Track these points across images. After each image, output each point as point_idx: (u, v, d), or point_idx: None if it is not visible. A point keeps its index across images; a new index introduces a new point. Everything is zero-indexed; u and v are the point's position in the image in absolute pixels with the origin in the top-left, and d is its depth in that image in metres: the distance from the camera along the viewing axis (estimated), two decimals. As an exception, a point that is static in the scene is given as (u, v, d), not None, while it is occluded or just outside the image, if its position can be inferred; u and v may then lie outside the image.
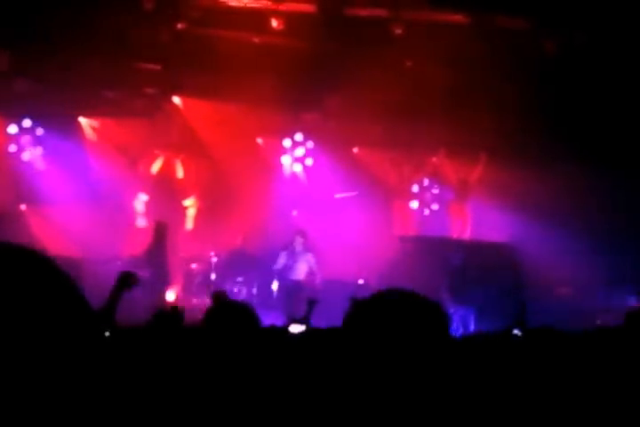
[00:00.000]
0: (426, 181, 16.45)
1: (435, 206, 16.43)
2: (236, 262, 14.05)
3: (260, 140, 16.12)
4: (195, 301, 13.56)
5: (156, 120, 15.45)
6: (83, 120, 15.35)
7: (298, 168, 16.14)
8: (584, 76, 13.72)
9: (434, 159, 16.33)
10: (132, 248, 14.74)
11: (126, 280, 4.97)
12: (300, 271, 13.14)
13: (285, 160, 16.08)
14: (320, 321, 6.65)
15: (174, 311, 4.97)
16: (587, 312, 12.38)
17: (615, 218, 14.08)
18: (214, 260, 14.10)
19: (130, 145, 15.46)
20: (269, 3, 13.79)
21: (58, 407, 1.04)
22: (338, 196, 16.05)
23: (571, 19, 13.09)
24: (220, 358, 2.87)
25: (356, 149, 16.23)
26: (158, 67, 14.68)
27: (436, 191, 16.42)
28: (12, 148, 15.01)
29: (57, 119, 14.74)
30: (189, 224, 15.85)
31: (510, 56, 13.76)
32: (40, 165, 15.14)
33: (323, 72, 14.17)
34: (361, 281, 14.17)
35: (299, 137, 15.88)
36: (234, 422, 2.65)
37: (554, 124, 14.20)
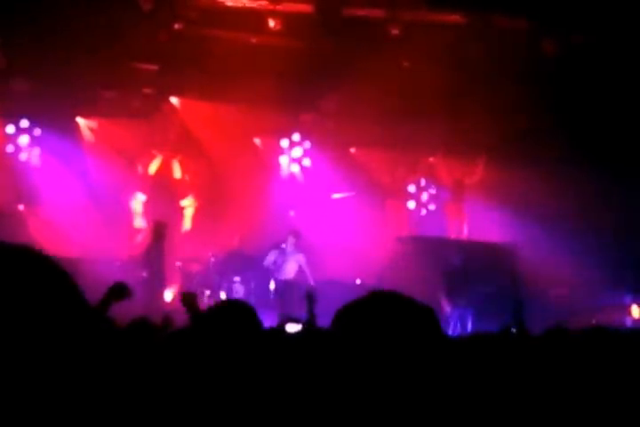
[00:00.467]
0: (423, 182, 16.46)
1: (431, 207, 16.44)
2: (234, 262, 14.05)
3: (257, 141, 16.12)
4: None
5: (153, 120, 15.45)
6: (80, 120, 15.33)
7: (295, 168, 16.14)
8: (583, 75, 13.73)
9: (431, 159, 16.34)
10: (129, 248, 14.75)
11: (118, 292, 4.92)
12: (289, 271, 13.15)
13: (283, 160, 16.08)
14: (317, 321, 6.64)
15: (144, 324, 4.95)
16: (583, 312, 12.39)
17: (612, 218, 14.10)
18: (212, 260, 14.10)
19: (127, 145, 15.44)
20: (267, 3, 13.81)
21: (55, 404, 1.04)
22: (335, 196, 16.06)
23: (569, 19, 13.11)
24: (218, 357, 2.87)
25: (353, 150, 16.23)
26: (156, 67, 14.68)
27: (432, 192, 16.43)
28: (10, 148, 15.00)
29: (54, 119, 14.72)
30: (187, 224, 15.84)
31: (508, 56, 13.77)
32: (38, 165, 15.13)
33: (320, 72, 14.18)
34: (358, 281, 14.18)
35: (296, 137, 15.88)
36: (232, 423, 2.65)
37: (552, 124, 14.21)
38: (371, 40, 13.82)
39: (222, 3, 13.79)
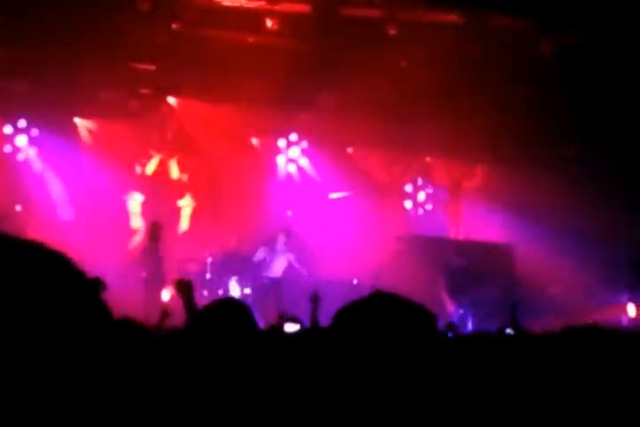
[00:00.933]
0: (419, 181, 16.48)
1: (428, 206, 16.45)
2: (231, 262, 14.06)
3: (254, 141, 16.12)
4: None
5: (151, 120, 15.44)
6: (78, 121, 15.33)
7: (292, 168, 16.15)
8: (580, 75, 13.75)
9: (427, 159, 16.36)
10: (127, 248, 14.76)
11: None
12: (277, 269, 13.17)
13: (280, 160, 16.09)
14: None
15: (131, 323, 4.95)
16: (580, 311, 12.43)
17: (609, 217, 14.13)
18: (209, 260, 14.10)
19: (125, 145, 15.43)
20: (264, 3, 13.80)
21: (64, 406, 1.04)
22: (332, 196, 16.07)
23: (566, 18, 13.11)
24: (214, 356, 2.88)
25: (350, 149, 16.24)
26: (153, 67, 14.67)
27: (429, 191, 16.45)
28: (7, 148, 14.99)
29: (52, 120, 14.71)
30: (184, 224, 15.83)
31: (505, 56, 13.80)
32: (35, 165, 15.12)
33: (317, 72, 14.19)
34: (355, 281, 14.19)
35: (293, 137, 15.89)
36: (228, 422, 2.66)
37: (550, 123, 14.23)
38: (368, 40, 13.82)
39: (220, 3, 13.79)
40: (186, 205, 15.90)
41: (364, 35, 13.80)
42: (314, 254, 14.61)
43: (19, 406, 1.00)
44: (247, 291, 13.77)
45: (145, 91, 15.16)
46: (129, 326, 4.77)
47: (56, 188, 15.03)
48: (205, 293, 13.43)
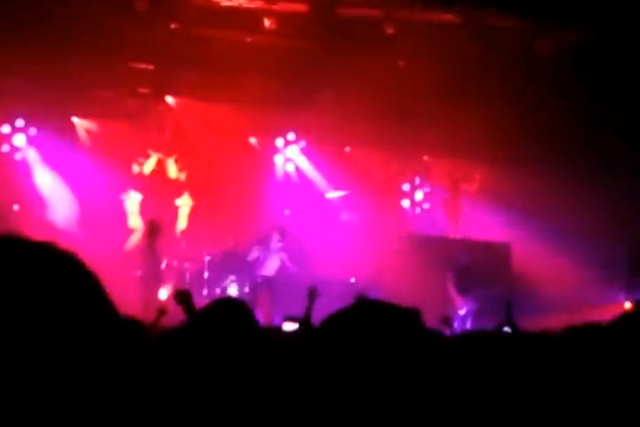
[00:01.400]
0: (417, 180, 16.49)
1: (426, 205, 16.47)
2: (229, 261, 14.07)
3: (252, 140, 16.13)
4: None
5: (149, 120, 15.45)
6: (76, 120, 15.33)
7: (290, 167, 16.16)
8: (579, 74, 13.76)
9: (425, 158, 16.37)
10: (125, 247, 14.76)
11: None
12: (271, 268, 13.18)
13: (278, 160, 16.10)
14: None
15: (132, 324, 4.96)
16: (577, 309, 12.46)
17: (606, 216, 14.16)
18: (207, 259, 14.11)
19: (123, 144, 15.43)
20: (262, 2, 13.82)
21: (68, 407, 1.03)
22: (330, 195, 16.08)
23: (564, 17, 13.13)
24: (214, 356, 2.88)
25: (348, 148, 16.25)
26: (151, 66, 14.68)
27: (426, 190, 16.47)
28: (5, 148, 14.98)
29: (50, 119, 14.71)
30: (182, 223, 15.83)
31: (503, 55, 13.81)
32: (33, 164, 15.12)
33: (315, 71, 14.20)
34: (352, 280, 14.20)
35: (291, 136, 15.89)
36: (225, 422, 2.67)
37: (548, 123, 14.25)
38: (366, 39, 13.84)
39: (218, 2, 13.80)
40: (184, 204, 15.90)
41: (361, 34, 13.82)
42: (311, 253, 14.63)
43: (22, 403, 1.00)
44: (247, 290, 13.79)
45: (143, 90, 15.17)
46: (133, 326, 4.79)
47: (54, 187, 15.03)
48: (204, 292, 13.45)
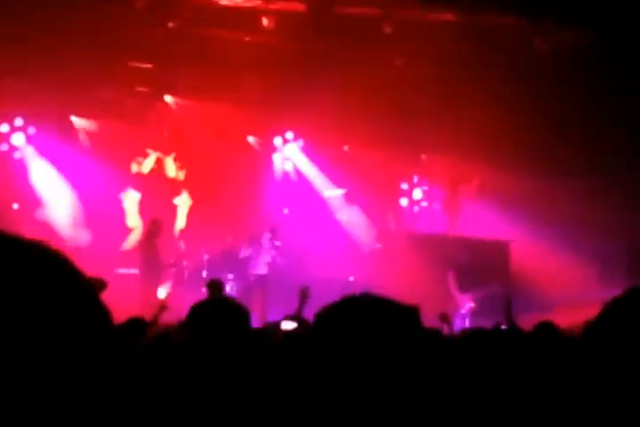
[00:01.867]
0: (415, 179, 16.51)
1: (424, 204, 16.49)
2: (227, 260, 14.09)
3: (251, 139, 16.14)
4: (186, 298, 13.55)
5: (147, 119, 15.46)
6: (75, 119, 15.33)
7: (289, 166, 16.17)
8: (577, 73, 13.77)
9: (423, 157, 16.38)
10: (123, 246, 14.77)
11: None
12: (263, 266, 13.20)
13: (276, 158, 16.11)
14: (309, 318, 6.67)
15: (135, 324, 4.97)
16: (574, 307, 12.47)
17: (606, 213, 14.17)
18: (206, 257, 14.13)
19: (122, 143, 15.44)
20: (260, 2, 13.83)
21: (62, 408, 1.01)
22: (328, 193, 16.09)
23: (561, 16, 13.14)
24: (209, 355, 2.88)
25: (346, 147, 16.26)
26: (150, 66, 14.69)
27: (425, 189, 16.49)
28: (4, 146, 14.98)
29: (49, 118, 14.71)
30: (181, 222, 15.85)
31: (501, 54, 13.82)
32: (32, 163, 15.12)
33: (314, 70, 14.20)
34: (351, 278, 14.22)
35: (290, 135, 15.91)
36: (222, 422, 2.67)
37: (546, 122, 14.26)
38: (364, 38, 13.85)
39: (216, 2, 13.81)
40: (182, 202, 15.91)
41: (359, 33, 13.83)
42: (310, 252, 14.64)
43: (16, 407, 0.99)
44: (241, 289, 13.80)
45: (142, 89, 15.17)
46: (133, 322, 4.78)
47: (53, 186, 15.03)
48: (203, 290, 13.45)
